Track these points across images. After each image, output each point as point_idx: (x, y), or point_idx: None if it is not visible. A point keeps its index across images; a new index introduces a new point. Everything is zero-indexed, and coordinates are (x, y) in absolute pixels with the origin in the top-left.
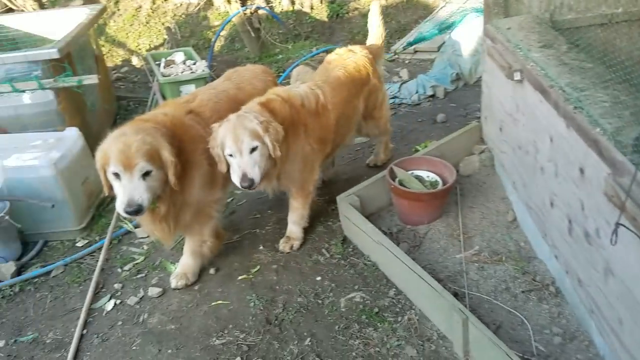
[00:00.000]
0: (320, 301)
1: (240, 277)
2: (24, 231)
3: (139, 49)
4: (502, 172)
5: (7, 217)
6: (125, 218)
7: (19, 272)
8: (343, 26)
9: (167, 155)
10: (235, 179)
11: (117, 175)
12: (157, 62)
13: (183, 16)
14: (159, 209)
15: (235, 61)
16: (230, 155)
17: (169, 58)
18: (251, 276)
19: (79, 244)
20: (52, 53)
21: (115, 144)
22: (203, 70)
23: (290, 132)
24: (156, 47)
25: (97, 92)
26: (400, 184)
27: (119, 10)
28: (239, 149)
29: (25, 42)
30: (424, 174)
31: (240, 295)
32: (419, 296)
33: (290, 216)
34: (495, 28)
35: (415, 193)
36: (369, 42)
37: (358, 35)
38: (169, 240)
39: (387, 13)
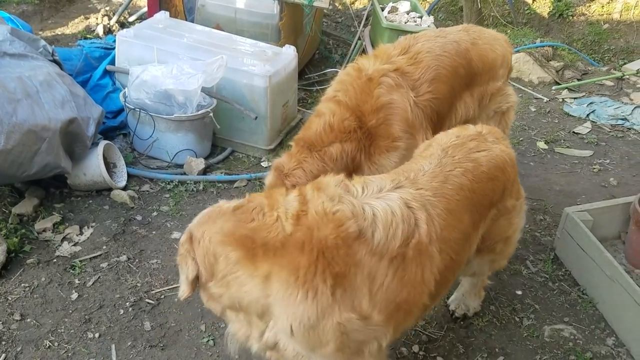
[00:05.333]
0: (517, 319)
1: None
2: (215, 134)
3: None
4: None
5: (211, 114)
6: None
7: (204, 171)
8: (562, 27)
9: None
10: None
11: None
12: (381, 6)
13: None
14: None
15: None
16: None
17: (393, 4)
18: None
19: (263, 164)
20: None
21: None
22: (428, 26)
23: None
24: None
25: (313, 18)
26: None
27: None
28: None
29: None
30: None
31: None
32: None
33: None
34: None
35: None
36: None
37: (577, 43)
38: None
39: (617, 29)
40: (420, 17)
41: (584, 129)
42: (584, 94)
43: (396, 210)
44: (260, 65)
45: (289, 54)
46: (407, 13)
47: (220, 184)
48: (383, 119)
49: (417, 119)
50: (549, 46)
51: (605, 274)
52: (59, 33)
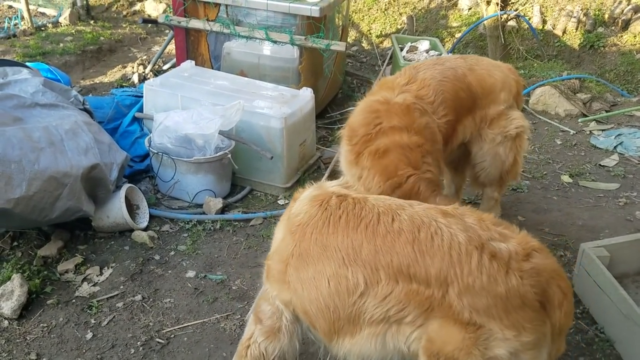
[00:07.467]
0: None
1: None
2: (235, 173)
3: (370, 33)
4: None
5: (229, 156)
6: None
7: (222, 210)
8: (594, 59)
9: None
10: None
11: None
12: (400, 46)
13: (422, 10)
14: None
15: None
16: None
17: (413, 44)
18: None
19: (280, 202)
20: (314, 11)
21: None
22: None
23: None
24: (386, 35)
25: (333, 61)
26: None
27: None
28: None
29: None
30: None
31: None
32: None
33: None
34: None
35: None
36: None
37: (609, 74)
38: None
39: None
40: (439, 55)
41: (611, 161)
42: (612, 125)
43: None
44: (277, 108)
45: (305, 95)
46: (427, 52)
47: (237, 222)
48: (423, 133)
49: (440, 142)
50: (575, 78)
51: (621, 312)
52: (98, 82)
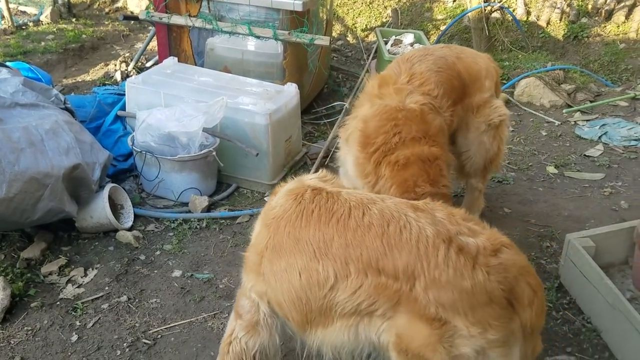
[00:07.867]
0: None
1: None
2: (221, 171)
3: (355, 27)
4: None
5: (214, 153)
6: None
7: (208, 208)
8: (578, 49)
9: None
10: None
11: None
12: (385, 39)
13: (407, 3)
14: None
15: None
16: None
17: (397, 37)
18: None
19: (267, 198)
20: (297, 5)
21: None
22: None
23: None
24: (371, 29)
25: (318, 56)
26: None
27: None
28: None
29: None
30: None
31: None
32: None
33: None
34: None
35: None
36: None
37: (593, 64)
38: None
39: (634, 48)
40: None
41: (595, 151)
42: (597, 115)
43: None
44: (261, 104)
45: (290, 91)
46: (412, 45)
47: (223, 220)
48: (439, 140)
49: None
50: (560, 69)
51: (607, 302)
52: (80, 80)
